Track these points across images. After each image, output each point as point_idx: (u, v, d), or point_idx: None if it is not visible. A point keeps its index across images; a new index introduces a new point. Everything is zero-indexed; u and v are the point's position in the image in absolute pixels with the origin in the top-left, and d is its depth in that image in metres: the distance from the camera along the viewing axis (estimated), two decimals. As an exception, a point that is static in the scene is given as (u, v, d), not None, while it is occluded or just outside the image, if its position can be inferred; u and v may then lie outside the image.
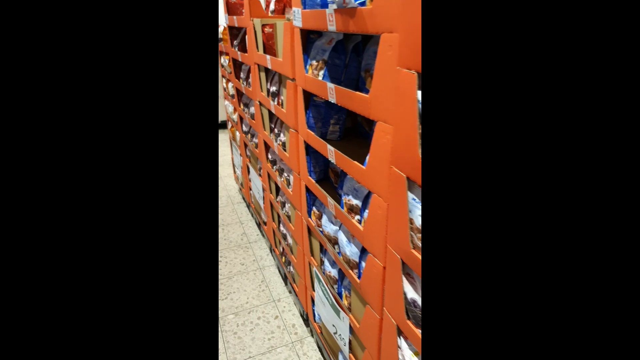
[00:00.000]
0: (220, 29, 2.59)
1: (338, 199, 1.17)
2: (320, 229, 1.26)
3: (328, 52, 1.03)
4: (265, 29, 1.54)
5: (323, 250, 1.35)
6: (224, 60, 2.55)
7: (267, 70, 1.63)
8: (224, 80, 2.78)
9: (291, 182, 1.51)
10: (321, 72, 1.05)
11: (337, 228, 1.14)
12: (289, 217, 1.66)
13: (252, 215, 2.72)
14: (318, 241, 1.34)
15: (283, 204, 1.74)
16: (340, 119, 1.20)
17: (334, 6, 0.86)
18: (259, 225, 2.55)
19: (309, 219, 1.34)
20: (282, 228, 1.87)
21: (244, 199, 2.98)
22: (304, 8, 1.04)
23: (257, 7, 1.64)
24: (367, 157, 0.85)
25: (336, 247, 1.16)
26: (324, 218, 1.22)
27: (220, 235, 2.53)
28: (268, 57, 1.43)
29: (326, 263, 1.30)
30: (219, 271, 2.17)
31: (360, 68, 1.07)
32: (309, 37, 1.14)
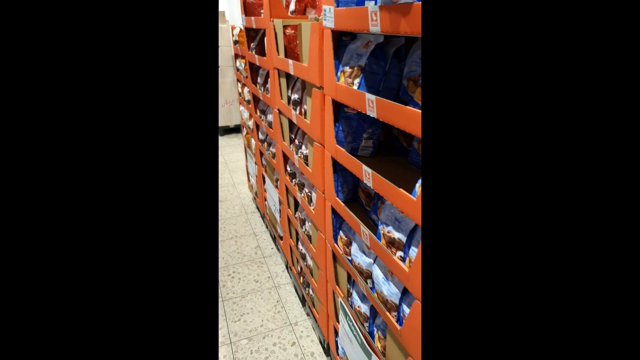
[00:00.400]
0: (237, 31, 2.47)
1: (371, 225, 1.02)
2: (349, 258, 1.11)
3: (365, 57, 0.88)
4: (287, 31, 1.40)
5: (351, 280, 1.19)
6: (239, 63, 2.43)
7: (288, 76, 1.49)
8: (240, 85, 2.66)
9: (313, 200, 1.36)
10: (357, 81, 0.90)
11: (372, 261, 0.98)
12: (309, 236, 1.51)
13: (267, 227, 2.58)
14: (345, 270, 1.19)
15: (303, 222, 1.59)
16: (375, 133, 1.05)
17: (373, 2, 0.71)
18: (274, 238, 2.41)
19: (335, 244, 1.19)
20: (300, 247, 1.72)
21: (258, 208, 2.84)
22: (337, 6, 0.89)
23: (278, 7, 1.50)
24: (418, 186, 0.70)
25: (369, 281, 1.01)
26: (354, 246, 1.07)
27: (234, 248, 2.40)
28: (290, 61, 1.29)
29: (355, 296, 1.14)
30: (232, 289, 2.03)
31: (402, 76, 0.92)
32: (341, 40, 0.99)
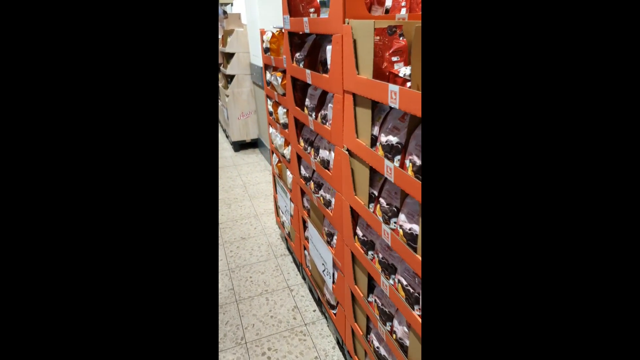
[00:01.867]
0: (267, 36, 1.98)
1: None
2: None
3: None
4: (376, 38, 0.90)
5: None
6: (272, 77, 1.94)
7: (373, 105, 0.99)
8: (270, 103, 2.17)
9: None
10: None
11: None
12: (401, 345, 1.01)
13: (304, 279, 2.08)
14: None
15: (387, 316, 1.09)
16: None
17: None
18: (317, 300, 1.90)
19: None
20: (375, 342, 1.21)
21: (289, 250, 2.34)
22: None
23: (356, 4, 1.01)
24: None
25: None
26: None
27: (265, 309, 1.90)
28: (395, 87, 0.79)
29: None
30: (269, 377, 1.53)
31: None
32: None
